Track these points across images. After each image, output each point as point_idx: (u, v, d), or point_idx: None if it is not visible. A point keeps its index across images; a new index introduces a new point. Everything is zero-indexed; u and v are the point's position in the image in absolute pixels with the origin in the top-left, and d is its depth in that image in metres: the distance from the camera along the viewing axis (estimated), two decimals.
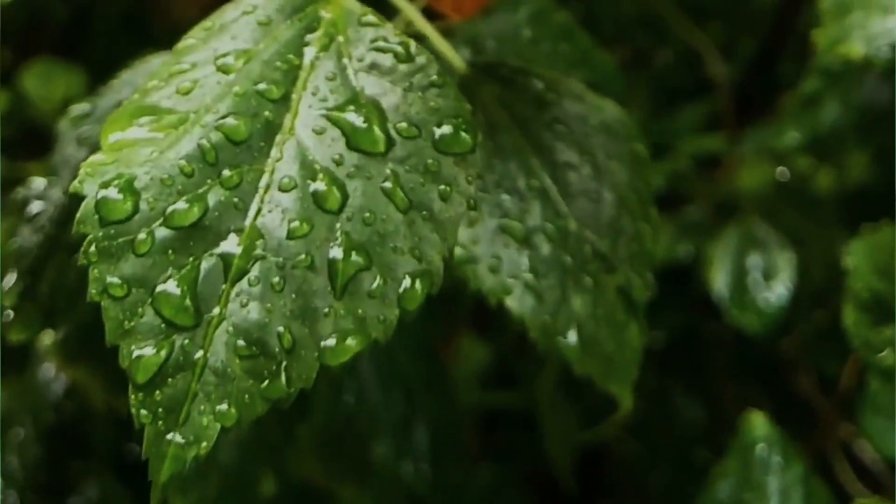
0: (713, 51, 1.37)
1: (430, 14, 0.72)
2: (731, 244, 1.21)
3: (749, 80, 1.43)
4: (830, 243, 1.17)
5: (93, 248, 0.46)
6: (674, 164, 1.30)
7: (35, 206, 0.73)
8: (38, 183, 0.74)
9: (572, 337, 0.66)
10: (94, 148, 0.51)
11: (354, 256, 0.48)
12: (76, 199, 0.48)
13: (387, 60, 0.53)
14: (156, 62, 0.73)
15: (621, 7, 1.44)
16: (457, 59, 0.69)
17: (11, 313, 0.71)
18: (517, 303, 0.65)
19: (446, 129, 0.52)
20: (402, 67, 0.53)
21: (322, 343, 0.47)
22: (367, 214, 0.49)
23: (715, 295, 1.18)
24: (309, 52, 0.54)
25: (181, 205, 0.47)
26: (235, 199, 0.48)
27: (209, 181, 0.48)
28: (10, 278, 0.72)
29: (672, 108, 1.42)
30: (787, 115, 1.11)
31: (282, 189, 0.49)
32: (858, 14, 0.87)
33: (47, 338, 0.75)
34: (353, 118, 0.51)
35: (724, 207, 1.28)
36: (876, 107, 1.05)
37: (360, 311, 0.47)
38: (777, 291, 1.16)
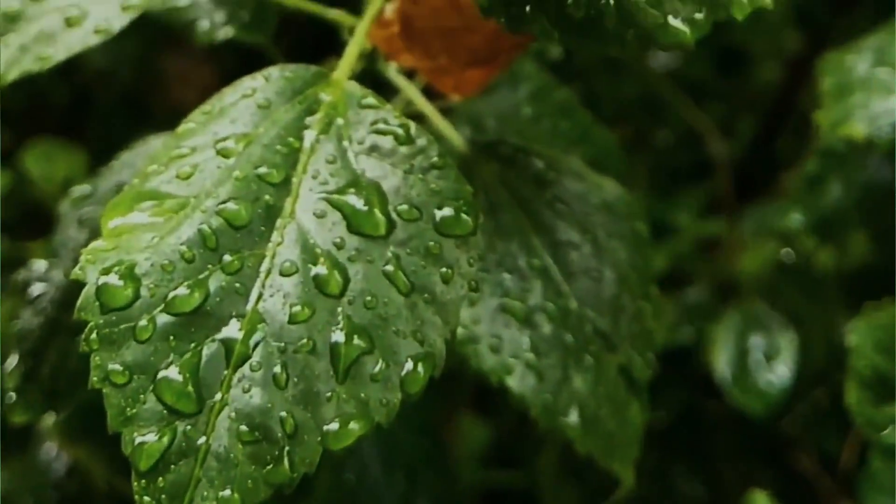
0: (713, 130, 1.38)
1: (431, 93, 0.73)
2: (733, 325, 1.21)
3: (749, 160, 1.43)
4: (831, 323, 1.17)
5: (94, 336, 0.46)
6: (675, 244, 1.31)
7: (36, 288, 0.73)
8: (40, 265, 0.74)
9: (574, 416, 0.65)
10: (95, 229, 0.51)
11: (356, 340, 0.47)
12: (77, 285, 0.47)
13: (387, 142, 0.53)
14: (155, 144, 0.73)
15: (621, 87, 1.45)
16: (457, 138, 0.69)
17: (14, 395, 0.71)
18: (518, 382, 0.64)
19: (447, 211, 0.51)
20: (403, 149, 0.53)
21: (325, 427, 0.46)
22: (369, 298, 0.48)
23: (717, 376, 1.17)
24: (309, 135, 0.54)
25: (182, 290, 0.47)
26: (237, 284, 0.48)
27: (210, 266, 0.48)
28: (12, 360, 0.72)
29: (672, 189, 1.42)
30: (790, 196, 1.11)
31: (283, 273, 0.49)
32: (860, 95, 0.87)
33: (49, 418, 0.74)
34: (354, 201, 0.51)
35: (726, 288, 1.28)
36: (878, 187, 1.05)
37: (362, 394, 0.47)
38: (779, 373, 1.16)
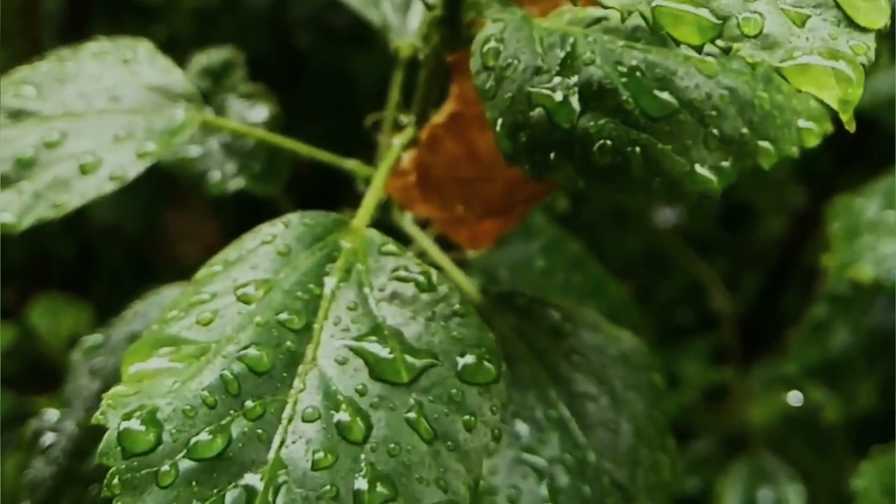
0: (718, 284, 1.38)
1: (444, 243, 0.73)
2: (741, 478, 1.19)
3: (754, 314, 1.43)
4: (839, 473, 1.16)
5: (116, 481, 0.45)
6: (681, 397, 1.30)
7: (48, 438, 0.72)
8: (51, 415, 0.74)
9: None
10: (108, 379, 0.50)
11: (380, 487, 0.46)
12: (94, 431, 0.47)
13: (408, 290, 0.53)
14: (168, 294, 0.73)
15: (626, 241, 1.46)
16: (472, 288, 0.69)
17: None
18: None
19: (470, 358, 0.51)
20: (424, 297, 0.53)
21: None
22: (392, 445, 0.48)
23: None
24: (330, 282, 0.53)
25: (204, 436, 0.46)
26: (259, 431, 0.47)
27: (232, 412, 0.47)
28: None
29: (678, 343, 1.42)
30: (797, 341, 1.11)
31: (305, 420, 0.48)
32: (868, 237, 0.88)
33: None
34: (376, 348, 0.51)
35: (733, 439, 1.27)
36: (884, 332, 1.05)
37: None
38: None
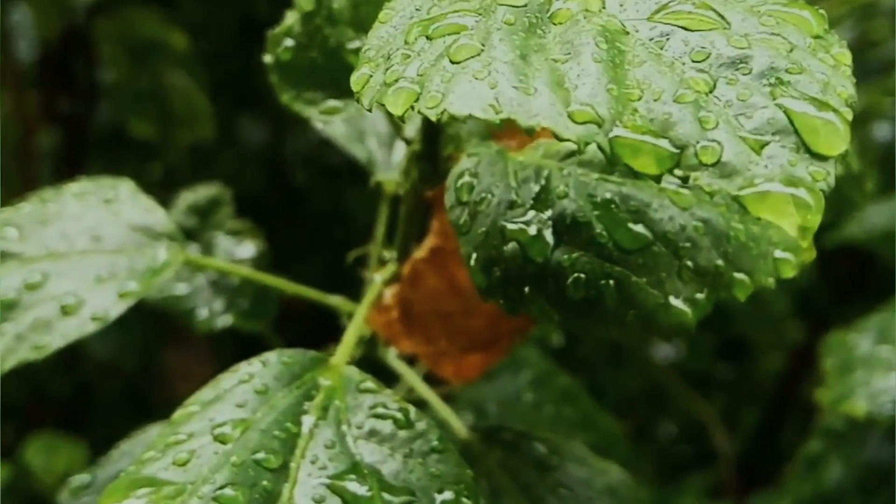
0: (716, 421, 1.37)
1: (432, 379, 0.72)
2: None
3: (753, 450, 1.42)
4: None
5: None
6: None
7: None
8: None
9: None
10: None
11: None
12: None
13: (386, 427, 0.53)
14: (154, 432, 0.72)
15: (624, 378, 1.46)
16: (459, 425, 0.68)
17: None
18: None
19: (448, 495, 0.50)
20: (402, 434, 0.53)
21: None
22: None
23: None
24: (307, 420, 0.53)
25: None
26: None
27: None
28: None
29: (676, 479, 1.41)
30: (792, 476, 1.10)
31: None
32: (861, 372, 0.88)
33: None
34: (354, 486, 0.50)
35: None
36: (879, 466, 1.04)
37: None
38: None
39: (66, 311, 0.64)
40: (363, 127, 0.76)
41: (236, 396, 0.54)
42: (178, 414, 0.54)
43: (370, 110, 0.43)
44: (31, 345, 0.63)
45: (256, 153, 1.61)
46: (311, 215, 1.60)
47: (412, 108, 0.41)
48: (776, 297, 1.44)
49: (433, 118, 0.40)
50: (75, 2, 1.33)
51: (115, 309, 0.64)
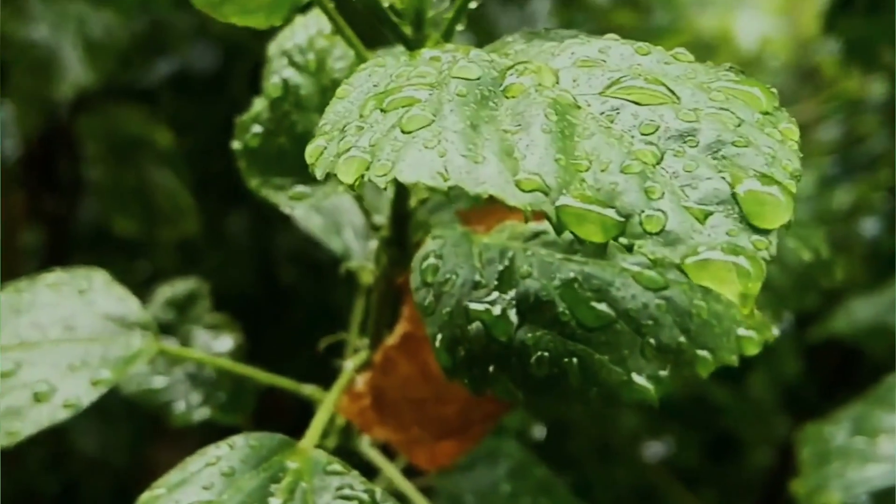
0: None
1: (412, 472, 0.72)
2: None
3: None
4: None
5: None
6: None
7: None
8: None
9: None
10: None
11: None
12: None
13: None
14: None
15: (614, 476, 1.45)
16: None
17: None
18: None
19: None
20: None
21: None
22: None
23: None
24: (274, 503, 0.53)
25: None
26: None
27: None
28: None
29: None
30: None
31: None
32: (837, 464, 0.87)
33: None
34: None
35: None
36: None
37: None
38: None
39: (38, 398, 0.64)
40: (340, 219, 0.77)
41: (203, 479, 0.54)
42: (145, 496, 0.54)
43: (324, 181, 0.44)
44: (3, 431, 0.63)
45: (243, 250, 1.62)
46: (299, 311, 1.60)
47: (363, 176, 0.41)
48: (764, 392, 1.44)
49: (382, 185, 0.41)
50: (58, 98, 1.34)
51: (88, 396, 0.64)
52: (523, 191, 0.39)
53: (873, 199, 1.66)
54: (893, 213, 1.59)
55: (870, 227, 1.63)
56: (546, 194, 0.39)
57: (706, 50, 2.22)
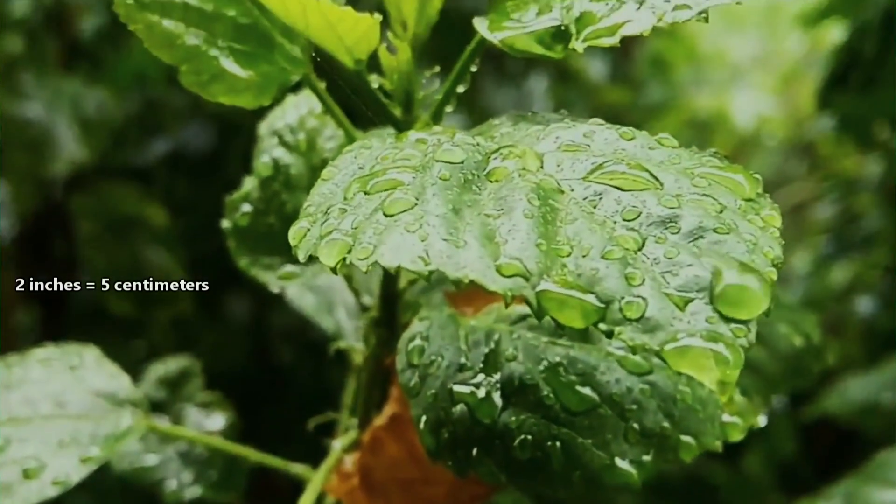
0: None
1: None
2: None
3: None
4: None
5: None
6: None
7: None
8: None
9: None
10: None
11: None
12: None
13: None
14: None
15: None
16: None
17: None
18: None
19: None
20: None
21: None
22: None
23: None
24: None
25: None
26: None
27: None
28: None
29: None
30: None
31: None
32: None
33: None
34: None
35: None
36: None
37: None
38: None
39: (27, 475, 0.64)
40: (332, 298, 0.77)
41: None
42: None
43: (307, 262, 0.44)
44: None
45: (239, 329, 1.62)
46: (294, 390, 1.60)
47: (344, 259, 0.42)
48: (760, 470, 1.44)
49: (364, 269, 0.41)
50: (53, 176, 1.35)
51: (77, 473, 0.64)
52: (504, 276, 0.40)
53: (869, 277, 1.66)
54: (889, 291, 1.59)
55: (865, 305, 1.63)
56: (527, 279, 0.39)
57: (703, 128, 2.24)
